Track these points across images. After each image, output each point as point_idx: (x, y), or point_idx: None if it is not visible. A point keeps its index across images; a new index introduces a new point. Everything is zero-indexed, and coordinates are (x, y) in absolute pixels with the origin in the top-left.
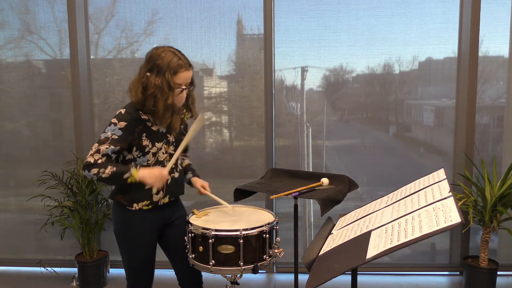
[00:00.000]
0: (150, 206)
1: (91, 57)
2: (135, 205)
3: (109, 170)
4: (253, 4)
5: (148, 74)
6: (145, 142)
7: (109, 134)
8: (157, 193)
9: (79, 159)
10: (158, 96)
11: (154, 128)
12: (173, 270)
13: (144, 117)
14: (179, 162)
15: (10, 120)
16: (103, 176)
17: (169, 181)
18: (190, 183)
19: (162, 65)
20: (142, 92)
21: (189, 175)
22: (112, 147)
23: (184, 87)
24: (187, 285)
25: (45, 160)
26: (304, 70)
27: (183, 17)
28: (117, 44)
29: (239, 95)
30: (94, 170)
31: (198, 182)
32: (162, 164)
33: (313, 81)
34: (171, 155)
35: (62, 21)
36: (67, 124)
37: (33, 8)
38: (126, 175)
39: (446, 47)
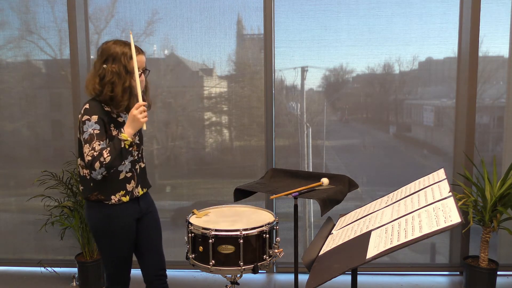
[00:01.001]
0: (127, 197)
1: (91, 57)
2: (113, 197)
3: (106, 154)
4: (253, 4)
5: (104, 66)
6: (114, 132)
7: (90, 130)
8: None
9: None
10: (116, 82)
11: (119, 119)
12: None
13: (107, 109)
14: (144, 153)
15: (10, 120)
16: (107, 161)
17: (138, 171)
18: None
19: (116, 53)
20: (99, 82)
21: None
22: (101, 142)
23: (140, 71)
24: (152, 279)
25: (45, 160)
26: (304, 70)
27: (183, 17)
28: None
29: (239, 95)
30: (97, 164)
31: None
32: (131, 153)
33: (313, 81)
34: (137, 145)
35: (62, 21)
36: (67, 124)
37: (33, 8)
38: (122, 145)
39: (446, 47)
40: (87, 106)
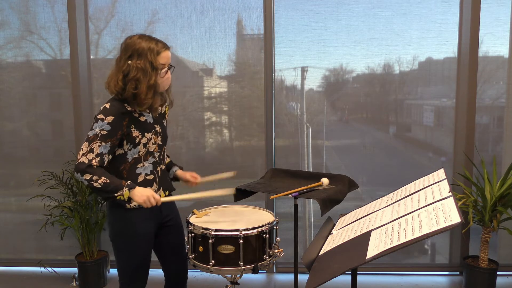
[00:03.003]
0: None
1: (91, 57)
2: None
3: (102, 180)
4: (253, 4)
5: (129, 62)
6: (135, 133)
7: (97, 130)
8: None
9: None
10: (140, 79)
11: (141, 119)
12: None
13: (129, 108)
14: (165, 155)
15: (10, 120)
16: (95, 185)
17: (159, 173)
18: (175, 178)
19: (142, 49)
20: (123, 79)
21: (174, 168)
22: (103, 143)
23: (167, 67)
24: (174, 283)
25: (45, 160)
26: (304, 70)
27: (183, 17)
28: (117, 44)
29: (239, 95)
30: (87, 176)
31: (186, 173)
32: (152, 155)
33: (313, 81)
34: (159, 146)
35: (62, 21)
36: (67, 124)
37: (33, 8)
38: (117, 194)
39: (446, 47)
40: (107, 105)
